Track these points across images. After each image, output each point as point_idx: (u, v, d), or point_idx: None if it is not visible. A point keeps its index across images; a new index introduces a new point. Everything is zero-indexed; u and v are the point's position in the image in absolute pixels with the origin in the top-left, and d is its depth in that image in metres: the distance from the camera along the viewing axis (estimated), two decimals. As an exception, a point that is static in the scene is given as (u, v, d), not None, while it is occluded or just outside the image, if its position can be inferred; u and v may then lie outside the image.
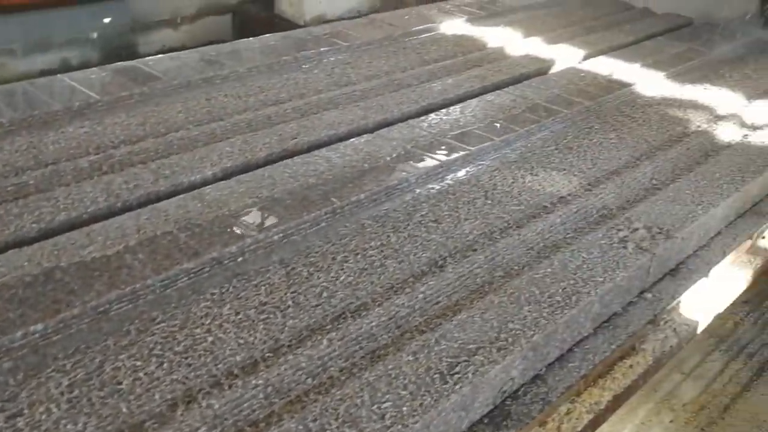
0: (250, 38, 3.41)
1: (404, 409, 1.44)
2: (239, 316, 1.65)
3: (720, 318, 3.49)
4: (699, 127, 2.82)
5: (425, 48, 3.44)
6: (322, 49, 3.28)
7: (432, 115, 2.75)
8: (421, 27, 3.68)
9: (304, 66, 3.11)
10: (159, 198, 2.11)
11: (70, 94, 2.71)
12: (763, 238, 2.65)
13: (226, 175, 2.26)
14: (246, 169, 2.30)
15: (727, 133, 2.78)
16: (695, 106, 3.00)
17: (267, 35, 3.46)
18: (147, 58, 3.11)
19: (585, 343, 1.85)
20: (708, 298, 2.28)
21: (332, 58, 3.24)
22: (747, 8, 3.88)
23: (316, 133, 2.53)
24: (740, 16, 3.91)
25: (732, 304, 3.20)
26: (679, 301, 2.15)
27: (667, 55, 3.56)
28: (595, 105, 2.93)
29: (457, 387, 1.50)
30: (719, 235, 2.36)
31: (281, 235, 1.96)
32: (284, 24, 5.63)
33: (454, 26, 3.76)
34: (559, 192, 2.30)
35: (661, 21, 4.12)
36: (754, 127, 2.85)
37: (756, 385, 3.23)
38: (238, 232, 1.93)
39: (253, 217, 2.02)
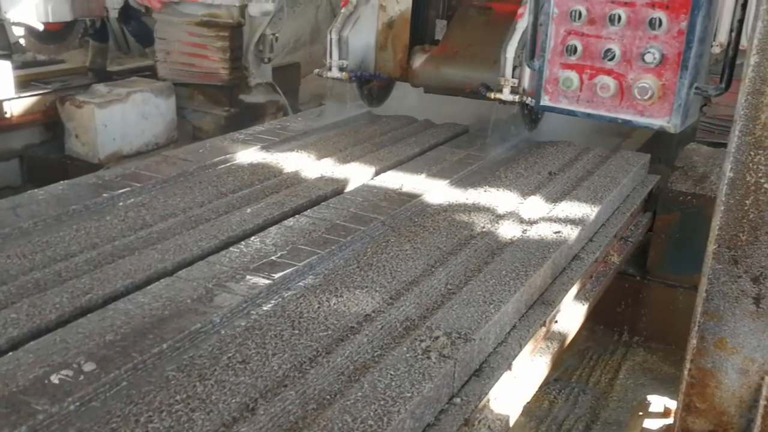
0: (35, 189, 3.25)
1: None
2: None
3: (535, 400, 3.71)
4: (483, 228, 3.06)
5: (221, 180, 3.47)
6: (114, 193, 3.19)
7: (232, 248, 2.75)
8: (216, 159, 3.72)
9: (95, 214, 3.01)
10: (-69, 387, 1.90)
11: None
12: (556, 322, 2.88)
13: (13, 346, 2.09)
14: (35, 335, 2.15)
15: (508, 231, 3.04)
16: (478, 208, 3.26)
17: (54, 184, 3.33)
18: None
19: (403, 461, 1.88)
20: (514, 389, 2.42)
21: (126, 202, 3.16)
22: (511, 112, 4.32)
23: (112, 284, 2.43)
24: (507, 120, 4.35)
25: (544, 384, 3.39)
26: (488, 399, 2.26)
27: (449, 163, 3.86)
28: (389, 219, 3.09)
29: None
30: (515, 329, 2.54)
31: (78, 403, 1.84)
32: (78, 164, 5.45)
33: (249, 155, 3.84)
34: (364, 310, 2.38)
35: (441, 131, 4.49)
36: (531, 222, 3.15)
37: (576, 460, 3.41)
38: (29, 408, 1.79)
39: (45, 388, 1.88)
